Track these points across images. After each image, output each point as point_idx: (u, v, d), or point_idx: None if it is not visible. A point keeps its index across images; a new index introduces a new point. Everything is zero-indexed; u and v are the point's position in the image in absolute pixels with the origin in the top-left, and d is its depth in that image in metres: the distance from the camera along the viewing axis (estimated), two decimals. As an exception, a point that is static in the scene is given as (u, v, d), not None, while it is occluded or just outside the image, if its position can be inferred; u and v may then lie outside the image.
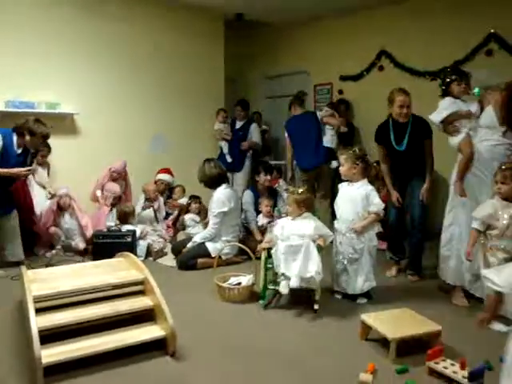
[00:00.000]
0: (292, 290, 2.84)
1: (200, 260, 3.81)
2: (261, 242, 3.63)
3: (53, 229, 4.10)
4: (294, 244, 2.80)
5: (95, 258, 3.65)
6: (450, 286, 3.09)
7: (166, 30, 5.29)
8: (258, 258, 3.15)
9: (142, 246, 4.16)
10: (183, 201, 4.92)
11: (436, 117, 3.05)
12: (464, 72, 3.15)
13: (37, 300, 2.26)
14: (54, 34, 4.49)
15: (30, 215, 4.03)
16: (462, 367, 2.04)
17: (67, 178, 4.45)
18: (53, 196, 3.92)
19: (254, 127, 5.60)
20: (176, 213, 4.87)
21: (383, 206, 3.01)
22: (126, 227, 4.20)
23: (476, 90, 3.02)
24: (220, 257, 3.58)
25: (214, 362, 2.25)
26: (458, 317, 2.79)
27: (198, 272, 3.74)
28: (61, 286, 2.42)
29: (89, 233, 4.12)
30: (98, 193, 4.57)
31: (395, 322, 2.37)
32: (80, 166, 4.64)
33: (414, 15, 5.00)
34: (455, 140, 2.99)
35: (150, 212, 4.65)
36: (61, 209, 4.18)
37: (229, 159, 5.50)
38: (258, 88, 6.77)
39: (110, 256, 3.07)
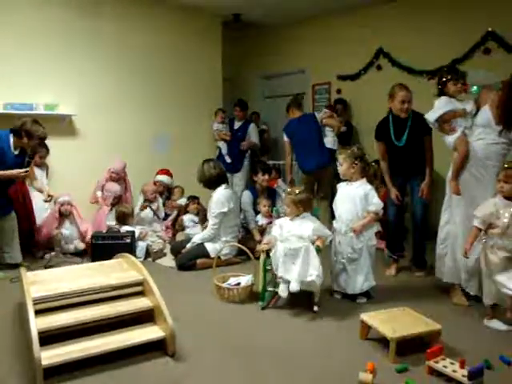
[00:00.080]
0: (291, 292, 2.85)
1: (199, 260, 3.81)
2: (260, 242, 3.63)
3: (55, 231, 4.10)
4: (293, 247, 2.79)
5: (94, 260, 3.66)
6: (447, 285, 3.09)
7: (164, 30, 5.29)
8: (258, 258, 3.15)
9: (141, 246, 4.16)
10: (182, 201, 4.92)
11: (431, 116, 3.06)
12: (460, 71, 3.16)
13: (36, 302, 2.26)
14: (52, 35, 4.48)
15: (30, 218, 4.03)
16: (462, 366, 2.03)
17: (66, 180, 4.45)
18: (51, 198, 3.88)
19: (252, 127, 5.60)
20: (175, 213, 4.87)
21: (382, 205, 3.01)
22: (124, 228, 4.20)
23: (474, 89, 3.03)
24: (219, 257, 3.58)
25: (213, 362, 2.24)
26: (458, 316, 2.79)
27: (197, 272, 3.74)
28: (60, 288, 2.42)
29: (88, 238, 4.12)
30: (99, 194, 4.57)
31: (395, 322, 2.37)
32: (78, 167, 4.64)
33: (411, 14, 5.01)
34: (450, 139, 3.00)
35: (148, 213, 4.65)
36: (61, 215, 4.19)
37: (228, 160, 5.50)
38: (256, 88, 6.77)
39: (109, 257, 3.07)
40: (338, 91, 5.76)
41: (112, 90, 4.94)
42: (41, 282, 2.52)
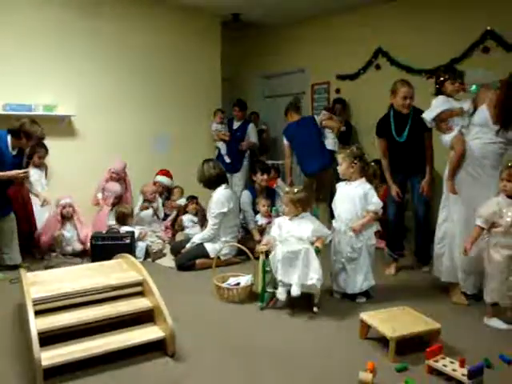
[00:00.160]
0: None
1: (199, 261, 3.81)
2: (259, 242, 3.63)
3: (57, 232, 4.10)
4: (292, 250, 2.78)
5: (94, 260, 3.66)
6: (447, 284, 3.09)
7: (163, 30, 5.29)
8: (257, 258, 3.15)
9: (140, 247, 4.16)
10: (182, 202, 4.92)
11: (428, 114, 3.07)
12: (457, 70, 3.16)
13: (36, 302, 2.26)
14: (51, 35, 4.48)
15: (30, 220, 4.02)
16: (462, 365, 2.04)
17: (65, 181, 4.45)
18: (46, 203, 3.85)
19: (251, 127, 5.61)
20: (174, 214, 4.87)
21: (381, 204, 3.01)
22: (124, 229, 4.20)
23: (473, 88, 3.03)
24: (219, 257, 3.58)
25: (213, 362, 2.25)
26: (458, 315, 2.80)
27: (196, 273, 3.74)
28: (60, 288, 2.42)
29: (87, 244, 4.11)
30: (99, 195, 4.57)
31: (394, 321, 2.37)
32: (78, 167, 4.64)
33: (410, 13, 5.00)
34: (446, 137, 3.00)
35: (148, 213, 4.65)
36: (63, 217, 4.20)
37: (227, 160, 5.50)
38: (256, 88, 6.77)
39: (109, 258, 3.07)
40: (337, 91, 5.76)
41: (111, 91, 4.93)
42: (41, 283, 2.52)
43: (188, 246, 3.92)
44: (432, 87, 3.17)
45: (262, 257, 2.98)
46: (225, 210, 3.82)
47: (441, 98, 3.05)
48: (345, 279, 3.02)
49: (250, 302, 3.04)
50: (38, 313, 2.21)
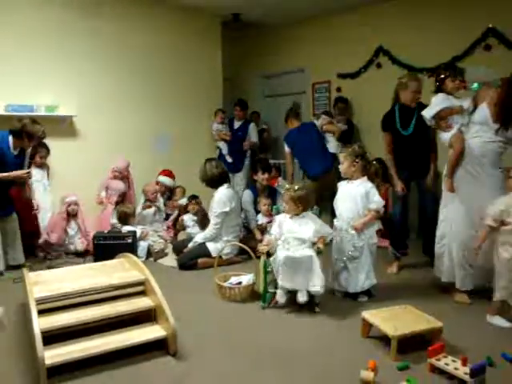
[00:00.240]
0: (291, 292, 2.86)
1: (200, 260, 3.82)
2: (261, 241, 3.63)
3: (60, 234, 4.13)
4: (293, 256, 2.76)
5: (96, 260, 3.67)
6: (449, 283, 3.08)
7: (163, 30, 5.29)
8: (259, 258, 3.15)
9: (142, 246, 4.17)
10: (183, 201, 4.92)
11: (428, 112, 3.06)
12: (458, 68, 3.16)
13: (39, 302, 2.27)
14: (52, 35, 4.48)
15: (33, 219, 4.03)
16: (464, 363, 2.04)
17: (67, 181, 4.45)
18: (38, 210, 3.92)
19: (252, 127, 5.63)
20: (176, 213, 4.88)
21: (383, 203, 3.01)
22: (126, 228, 4.21)
23: (475, 86, 3.02)
24: (220, 256, 3.58)
25: (215, 361, 2.25)
26: (459, 314, 2.79)
27: (198, 272, 3.75)
28: (62, 288, 2.43)
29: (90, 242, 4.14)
30: (103, 193, 4.58)
31: (396, 319, 2.37)
32: (79, 168, 4.64)
33: (411, 12, 4.99)
34: (446, 136, 3.00)
35: (150, 211, 4.66)
36: (68, 215, 4.23)
37: (229, 160, 5.51)
38: (256, 87, 6.76)
39: (111, 257, 3.09)
40: (338, 89, 5.75)
41: (112, 91, 4.94)
42: (43, 283, 2.53)
43: (190, 245, 3.93)
44: (433, 85, 3.16)
45: (263, 257, 2.98)
46: (227, 209, 3.82)
47: (441, 95, 3.04)
48: (346, 278, 3.02)
49: (251, 301, 3.05)
50: (40, 312, 2.22)
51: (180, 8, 5.35)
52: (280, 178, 5.00)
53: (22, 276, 2.64)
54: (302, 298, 2.77)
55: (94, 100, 4.79)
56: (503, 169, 2.85)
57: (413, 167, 3.55)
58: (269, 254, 2.97)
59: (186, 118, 5.55)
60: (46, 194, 4.27)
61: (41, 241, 4.08)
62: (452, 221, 2.97)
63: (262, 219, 4.35)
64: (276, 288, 2.94)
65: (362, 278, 2.98)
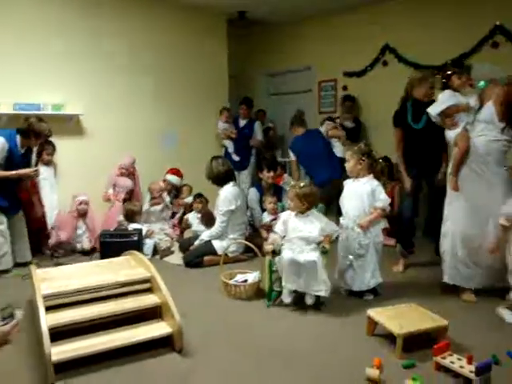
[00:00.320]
0: (296, 292, 2.88)
1: (206, 258, 3.83)
2: (266, 239, 3.64)
3: (70, 232, 4.17)
4: (297, 260, 2.77)
5: (103, 257, 3.69)
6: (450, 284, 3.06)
7: (169, 29, 5.30)
8: (265, 256, 3.16)
9: (148, 244, 4.19)
10: (189, 200, 4.94)
11: (434, 109, 3.04)
12: (464, 65, 3.14)
13: (46, 298, 2.30)
14: (58, 34, 4.50)
15: (41, 217, 4.07)
16: (469, 362, 2.03)
17: (74, 179, 4.49)
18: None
19: (257, 125, 5.66)
20: (181, 211, 4.90)
21: (389, 201, 3.00)
22: (132, 226, 4.24)
23: (481, 83, 3.00)
24: (226, 254, 3.59)
25: (220, 358, 2.26)
26: (465, 312, 2.78)
27: (204, 269, 3.76)
28: (70, 285, 2.45)
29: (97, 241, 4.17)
30: (110, 191, 4.61)
31: (402, 318, 2.37)
32: (86, 166, 4.67)
33: (418, 10, 4.96)
34: (451, 134, 2.98)
35: (158, 208, 4.67)
36: (78, 214, 4.27)
37: (236, 158, 5.52)
38: (262, 85, 6.76)
39: (118, 255, 3.10)
40: (344, 88, 5.73)
41: (118, 90, 4.95)
42: (51, 280, 2.56)
43: (196, 243, 3.95)
44: (439, 83, 3.15)
45: (267, 257, 2.99)
46: (232, 207, 3.83)
47: (447, 92, 3.02)
48: (352, 276, 3.02)
49: (257, 298, 3.06)
50: (48, 308, 2.24)
51: (186, 7, 5.35)
52: (285, 175, 4.99)
53: (30, 273, 2.67)
54: (310, 300, 2.81)
55: (101, 99, 4.82)
56: (508, 167, 2.83)
57: (422, 165, 3.52)
58: (274, 253, 2.97)
59: (193, 115, 5.56)
60: (53, 191, 4.31)
61: (52, 241, 4.11)
62: (456, 219, 2.96)
63: (267, 217, 4.35)
64: (281, 287, 2.95)
65: (367, 277, 2.98)
